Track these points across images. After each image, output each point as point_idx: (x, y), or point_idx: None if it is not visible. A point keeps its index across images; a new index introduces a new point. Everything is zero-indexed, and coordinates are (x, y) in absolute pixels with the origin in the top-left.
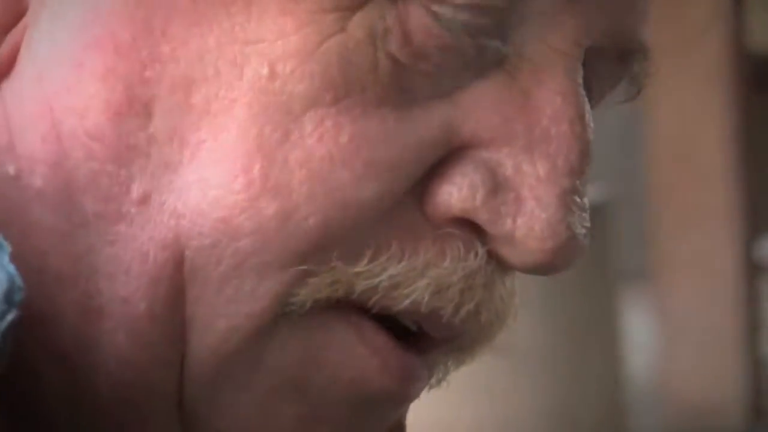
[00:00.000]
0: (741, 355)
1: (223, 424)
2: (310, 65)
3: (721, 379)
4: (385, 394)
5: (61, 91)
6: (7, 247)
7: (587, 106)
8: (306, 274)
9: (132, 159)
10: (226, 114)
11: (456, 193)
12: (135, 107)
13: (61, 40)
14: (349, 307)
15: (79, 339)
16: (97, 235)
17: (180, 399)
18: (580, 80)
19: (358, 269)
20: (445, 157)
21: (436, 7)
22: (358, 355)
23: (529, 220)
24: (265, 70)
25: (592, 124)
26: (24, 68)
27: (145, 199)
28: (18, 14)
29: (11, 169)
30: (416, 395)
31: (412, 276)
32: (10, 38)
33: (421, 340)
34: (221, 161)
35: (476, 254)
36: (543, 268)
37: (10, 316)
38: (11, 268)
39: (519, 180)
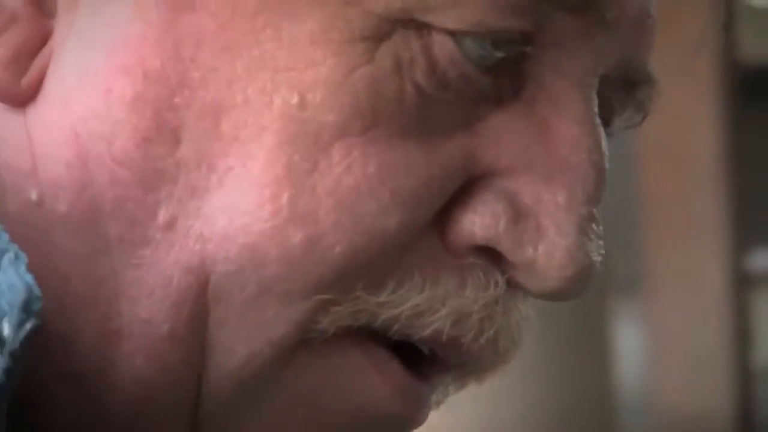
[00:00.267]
0: (730, 367)
1: None
2: (340, 95)
3: (711, 390)
4: (396, 420)
5: (88, 117)
6: (24, 258)
7: (603, 134)
8: (330, 303)
9: (159, 184)
10: (254, 141)
11: (479, 221)
12: (163, 133)
13: (88, 65)
14: (363, 333)
15: (97, 360)
16: (121, 259)
17: (193, 421)
18: (596, 109)
19: (381, 299)
20: (464, 186)
21: (460, 36)
22: (371, 382)
23: (550, 248)
24: (294, 99)
25: (607, 152)
26: (50, 93)
27: (171, 224)
28: (44, 37)
29: (33, 195)
30: (423, 420)
31: (434, 306)
32: (37, 62)
33: (433, 364)
34: (249, 188)
35: (496, 283)
36: (561, 295)
37: (28, 325)
38: (29, 277)
39: (539, 208)
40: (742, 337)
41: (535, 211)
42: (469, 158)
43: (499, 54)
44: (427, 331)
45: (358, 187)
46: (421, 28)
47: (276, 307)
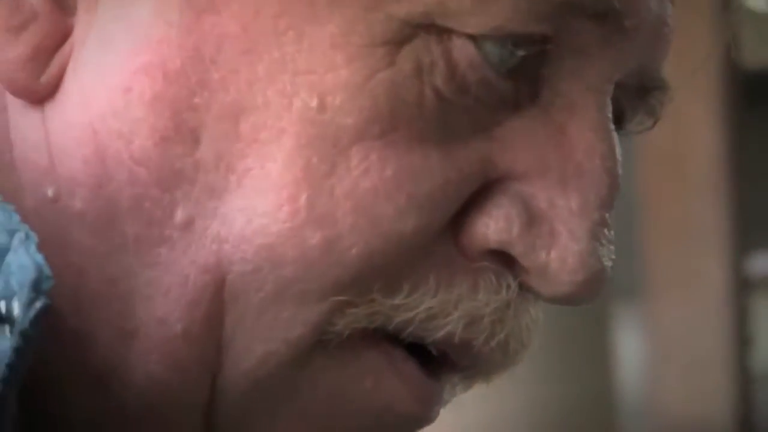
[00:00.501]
0: (730, 371)
1: None
2: (359, 99)
3: (711, 394)
4: (411, 420)
5: (107, 115)
6: (34, 237)
7: (617, 141)
8: (346, 304)
9: (177, 184)
10: (273, 143)
11: (493, 225)
12: (182, 133)
13: (108, 64)
14: (380, 334)
15: (112, 358)
16: (137, 258)
17: (208, 420)
18: (611, 115)
19: (396, 302)
20: (480, 190)
21: (480, 40)
22: (388, 383)
23: (563, 253)
24: (314, 102)
25: (621, 158)
26: (69, 91)
27: (188, 224)
28: (63, 35)
29: (50, 192)
30: (435, 418)
31: (447, 309)
32: (57, 60)
33: (443, 364)
34: (268, 189)
35: (508, 287)
36: (573, 299)
37: (38, 304)
38: (39, 257)
39: (552, 213)
40: (742, 340)
41: (548, 216)
42: (485, 162)
43: (520, 52)
44: (440, 334)
45: (376, 190)
46: (442, 32)
47: (292, 307)
